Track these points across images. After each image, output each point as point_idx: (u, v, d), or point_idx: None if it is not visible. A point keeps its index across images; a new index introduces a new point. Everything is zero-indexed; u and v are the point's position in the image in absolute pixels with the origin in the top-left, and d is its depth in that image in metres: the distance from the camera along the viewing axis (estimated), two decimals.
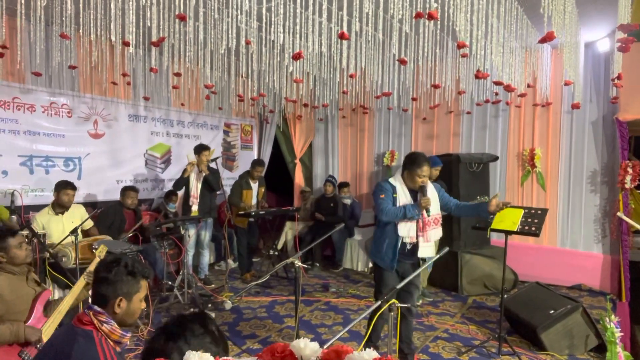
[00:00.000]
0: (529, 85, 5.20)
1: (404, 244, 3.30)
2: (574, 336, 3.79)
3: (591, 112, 5.67)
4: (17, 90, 4.96)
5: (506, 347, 3.81)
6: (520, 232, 3.77)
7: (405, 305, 2.86)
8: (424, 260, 3.33)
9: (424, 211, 3.24)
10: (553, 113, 5.91)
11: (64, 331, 1.84)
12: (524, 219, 3.80)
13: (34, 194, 5.17)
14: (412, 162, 3.29)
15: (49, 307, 2.79)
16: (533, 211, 3.86)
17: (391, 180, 3.38)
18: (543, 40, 3.06)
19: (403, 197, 3.32)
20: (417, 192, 3.31)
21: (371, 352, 0.86)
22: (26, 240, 2.90)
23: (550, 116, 5.93)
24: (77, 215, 4.50)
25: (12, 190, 4.34)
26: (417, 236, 3.30)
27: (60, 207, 4.43)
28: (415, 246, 3.32)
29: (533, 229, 3.69)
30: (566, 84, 4.39)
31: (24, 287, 2.69)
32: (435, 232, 3.37)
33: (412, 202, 3.28)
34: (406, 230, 3.27)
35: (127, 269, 1.86)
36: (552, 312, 3.82)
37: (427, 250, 3.35)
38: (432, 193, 3.35)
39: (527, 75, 5.16)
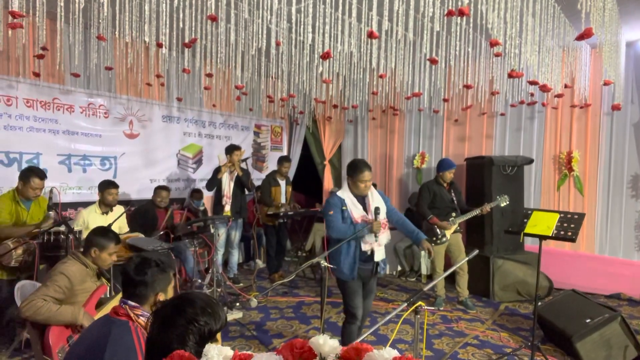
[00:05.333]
0: (566, 86, 5.03)
1: (363, 252, 3.33)
2: (611, 346, 3.62)
3: (632, 114, 5.44)
4: (57, 91, 5.15)
5: (539, 355, 3.69)
6: (556, 237, 3.64)
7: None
8: (378, 264, 3.42)
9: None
10: (592, 114, 5.69)
11: (100, 321, 1.92)
12: (559, 224, 3.67)
13: (72, 191, 5.35)
14: (353, 169, 3.33)
15: (102, 303, 2.88)
16: (569, 216, 3.71)
17: (339, 193, 3.39)
18: (580, 38, 2.95)
19: (352, 206, 3.34)
20: (364, 198, 3.39)
21: (391, 351, 0.84)
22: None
23: (589, 118, 5.71)
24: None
25: (50, 187, 4.50)
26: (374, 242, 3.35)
27: (105, 206, 4.58)
28: (372, 251, 3.36)
29: (569, 234, 3.56)
30: (606, 83, 4.23)
31: (88, 281, 2.80)
32: (385, 236, 3.42)
33: (362, 210, 3.35)
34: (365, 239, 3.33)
35: (159, 267, 1.95)
36: (588, 321, 3.67)
37: (381, 253, 3.41)
38: (380, 201, 3.42)
39: (564, 75, 4.99)
